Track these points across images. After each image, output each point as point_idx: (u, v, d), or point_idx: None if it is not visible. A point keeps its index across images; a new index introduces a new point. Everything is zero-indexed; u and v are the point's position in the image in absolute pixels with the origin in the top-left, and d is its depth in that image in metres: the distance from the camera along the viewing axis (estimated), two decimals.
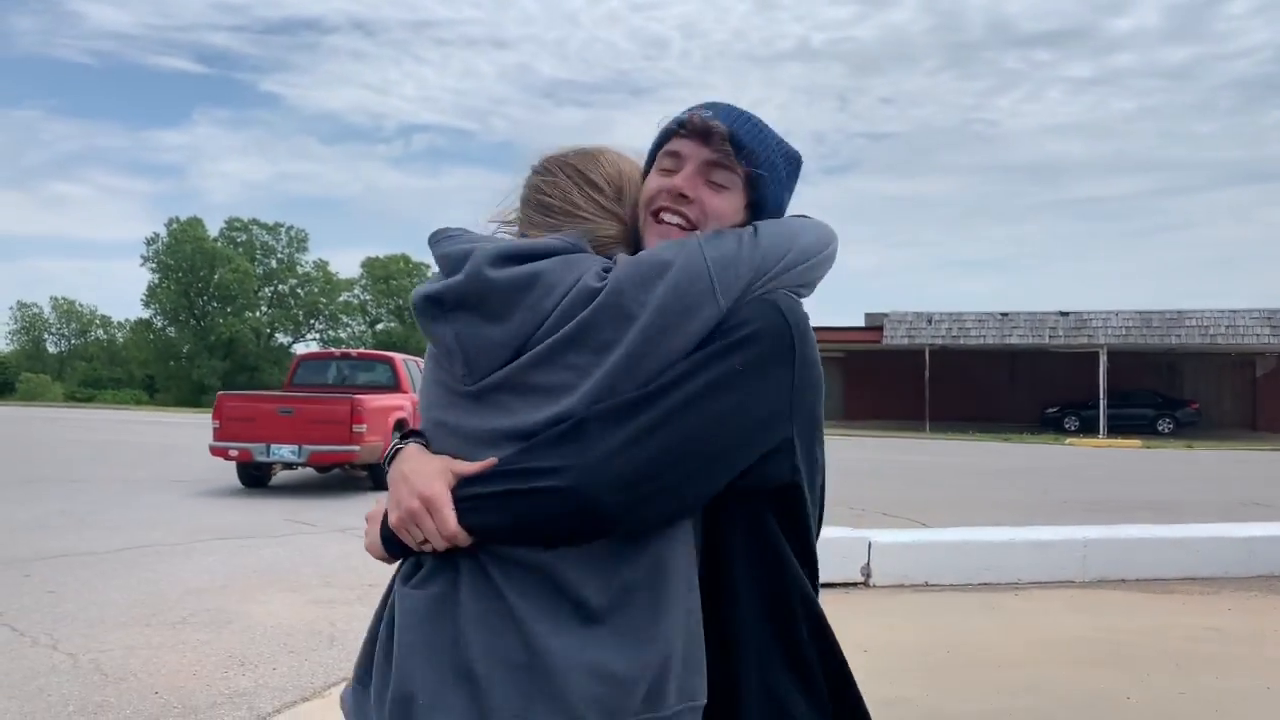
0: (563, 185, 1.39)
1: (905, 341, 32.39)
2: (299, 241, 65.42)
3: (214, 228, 62.71)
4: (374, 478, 12.66)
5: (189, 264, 59.81)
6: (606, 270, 1.28)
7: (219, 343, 59.57)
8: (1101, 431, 29.51)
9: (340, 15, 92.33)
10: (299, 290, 66.15)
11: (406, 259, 64.90)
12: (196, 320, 61.55)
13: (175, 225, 60.42)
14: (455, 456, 1.28)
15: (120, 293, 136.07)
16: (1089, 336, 30.83)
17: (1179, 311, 30.73)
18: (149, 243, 61.27)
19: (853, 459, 17.12)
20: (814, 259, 1.35)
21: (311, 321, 66.75)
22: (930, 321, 32.49)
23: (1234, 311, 30.30)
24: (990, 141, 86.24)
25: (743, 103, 1.41)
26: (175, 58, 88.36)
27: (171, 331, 61.99)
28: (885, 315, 33.05)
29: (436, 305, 1.33)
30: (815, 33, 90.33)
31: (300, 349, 62.39)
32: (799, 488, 1.28)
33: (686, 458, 1.19)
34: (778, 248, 1.31)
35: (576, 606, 1.19)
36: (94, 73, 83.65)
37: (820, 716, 1.27)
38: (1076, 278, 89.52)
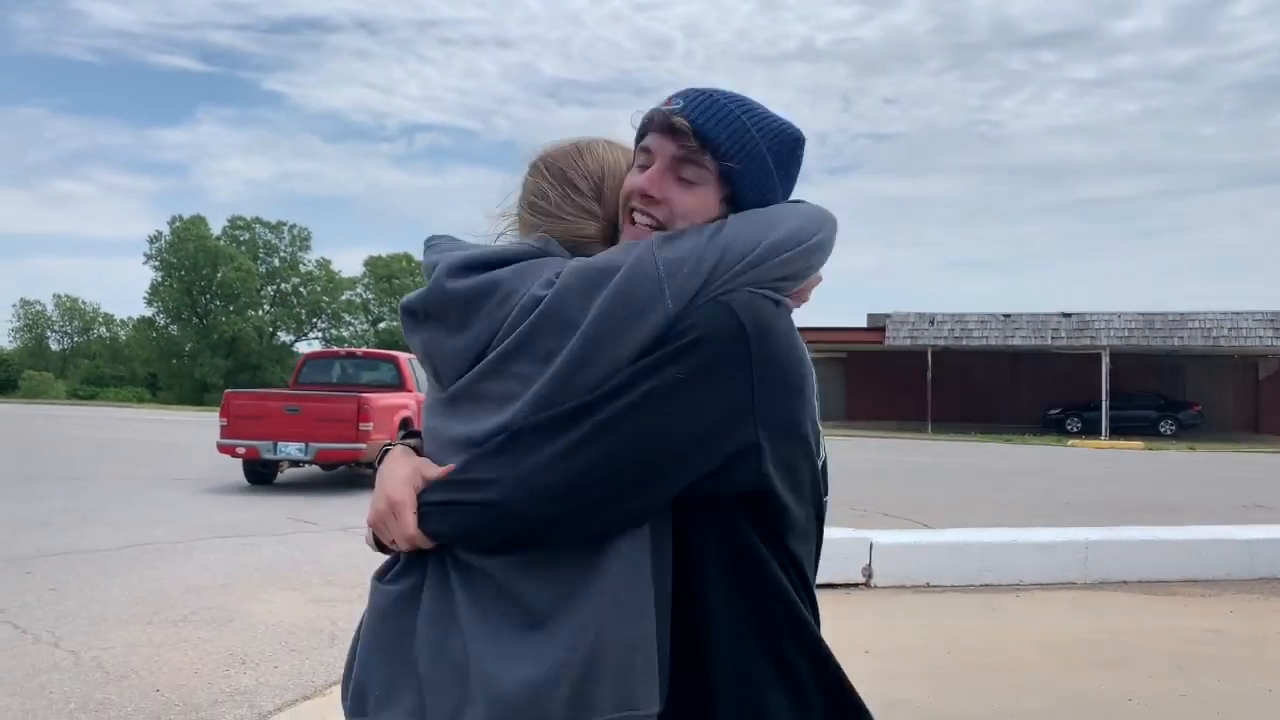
0: (543, 186, 1.38)
1: (907, 342, 32.37)
2: (302, 240, 65.56)
3: (217, 226, 62.89)
4: None
5: (192, 262, 59.86)
6: (558, 276, 1.26)
7: (221, 341, 59.61)
8: (1104, 433, 29.49)
9: (344, 14, 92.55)
10: (302, 289, 66.23)
11: (409, 258, 64.95)
12: (199, 318, 61.61)
13: (178, 223, 60.47)
14: (438, 461, 1.30)
15: (123, 291, 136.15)
16: (1091, 338, 30.80)
17: (1182, 313, 30.71)
18: (152, 241, 61.46)
19: (855, 459, 17.09)
20: (796, 249, 1.27)
21: (314, 320, 66.84)
22: (932, 322, 32.46)
23: (1237, 314, 30.27)
24: (994, 142, 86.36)
25: None
26: (179, 56, 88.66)
27: (174, 330, 62.06)
28: (887, 316, 33.03)
29: (410, 316, 1.35)
30: (819, 33, 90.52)
31: (303, 348, 62.56)
32: (771, 493, 1.22)
33: (621, 470, 1.16)
34: (744, 241, 1.24)
35: (520, 610, 1.19)
36: (97, 71, 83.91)
37: None
38: (1079, 279, 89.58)
